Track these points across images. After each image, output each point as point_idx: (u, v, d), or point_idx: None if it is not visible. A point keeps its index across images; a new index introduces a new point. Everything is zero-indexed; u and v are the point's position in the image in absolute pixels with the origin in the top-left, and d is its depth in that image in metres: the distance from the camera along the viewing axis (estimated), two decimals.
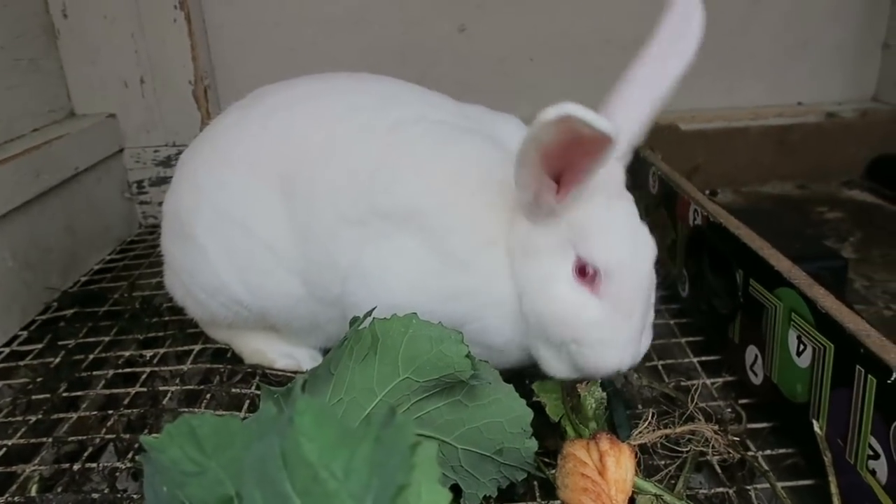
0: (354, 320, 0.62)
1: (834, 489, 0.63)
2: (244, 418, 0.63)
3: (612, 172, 0.68)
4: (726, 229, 0.84)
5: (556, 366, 0.71)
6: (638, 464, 0.63)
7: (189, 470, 0.40)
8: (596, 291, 0.66)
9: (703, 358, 0.90)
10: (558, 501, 0.63)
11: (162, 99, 1.45)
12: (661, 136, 1.32)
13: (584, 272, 0.66)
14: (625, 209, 0.69)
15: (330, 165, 0.76)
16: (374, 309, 0.63)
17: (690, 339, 0.95)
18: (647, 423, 0.67)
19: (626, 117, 0.69)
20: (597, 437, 0.47)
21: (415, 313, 0.62)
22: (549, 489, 0.69)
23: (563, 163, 0.61)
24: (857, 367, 0.60)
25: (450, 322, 0.68)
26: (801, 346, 0.69)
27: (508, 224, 0.70)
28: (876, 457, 0.59)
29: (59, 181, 1.22)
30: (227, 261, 0.81)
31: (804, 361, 0.69)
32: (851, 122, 1.50)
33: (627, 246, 0.67)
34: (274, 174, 0.78)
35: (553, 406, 0.76)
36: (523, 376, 0.74)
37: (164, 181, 1.48)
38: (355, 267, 0.74)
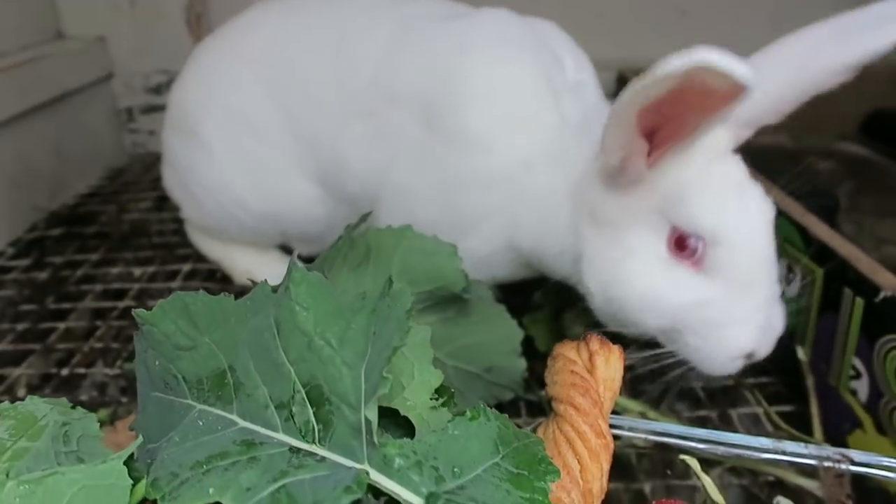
0: (347, 227, 0.62)
1: (814, 410, 0.64)
2: None
3: (717, 137, 0.55)
4: None
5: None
6: (624, 383, 0.64)
7: (182, 344, 0.40)
8: (702, 267, 0.54)
9: None
10: (543, 419, 0.64)
11: (153, 24, 1.40)
12: None
13: (683, 244, 0.54)
14: (728, 170, 0.55)
15: (338, 61, 0.74)
16: (368, 214, 0.61)
17: None
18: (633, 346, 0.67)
19: (768, 78, 0.52)
20: (587, 337, 0.47)
21: (409, 225, 0.61)
22: (536, 410, 0.70)
23: (661, 119, 0.49)
24: (846, 289, 0.61)
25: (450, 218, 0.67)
26: (791, 275, 0.70)
27: (549, 153, 0.64)
28: (858, 376, 0.60)
29: (46, 99, 1.19)
30: (237, 160, 0.80)
31: (792, 290, 0.70)
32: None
33: (736, 203, 0.54)
34: (285, 75, 0.77)
35: (542, 339, 0.77)
36: (512, 308, 0.74)
37: (155, 109, 1.45)
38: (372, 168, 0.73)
